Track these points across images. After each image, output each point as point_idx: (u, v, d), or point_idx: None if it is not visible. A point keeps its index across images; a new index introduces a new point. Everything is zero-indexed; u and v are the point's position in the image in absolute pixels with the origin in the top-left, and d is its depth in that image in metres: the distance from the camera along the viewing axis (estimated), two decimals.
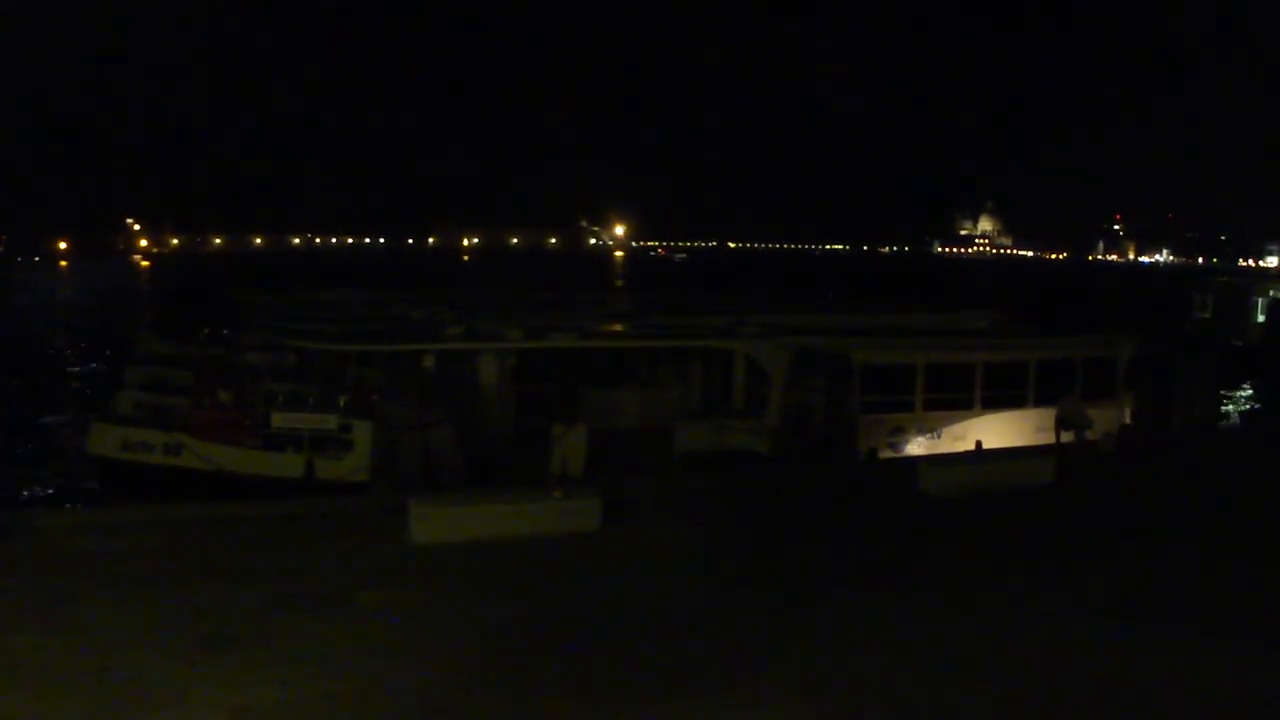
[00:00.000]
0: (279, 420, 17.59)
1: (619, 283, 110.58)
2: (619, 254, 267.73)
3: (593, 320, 22.42)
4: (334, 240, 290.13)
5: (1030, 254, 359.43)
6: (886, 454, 19.70)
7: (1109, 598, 10.95)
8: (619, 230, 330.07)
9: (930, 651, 9.29)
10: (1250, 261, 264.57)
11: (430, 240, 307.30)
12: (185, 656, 8.67)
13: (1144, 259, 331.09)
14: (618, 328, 21.81)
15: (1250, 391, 40.50)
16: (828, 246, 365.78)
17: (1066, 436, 19.82)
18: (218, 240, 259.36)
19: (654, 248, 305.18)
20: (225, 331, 25.67)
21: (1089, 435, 19.72)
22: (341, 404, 17.92)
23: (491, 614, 10.01)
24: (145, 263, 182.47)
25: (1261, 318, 48.27)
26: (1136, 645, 9.58)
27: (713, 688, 8.39)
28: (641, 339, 21.45)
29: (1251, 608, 10.79)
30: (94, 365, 41.96)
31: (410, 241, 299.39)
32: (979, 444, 19.97)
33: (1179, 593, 11.24)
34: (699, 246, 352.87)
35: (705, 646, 9.28)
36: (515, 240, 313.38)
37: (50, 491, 22.01)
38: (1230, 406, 36.82)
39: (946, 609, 10.50)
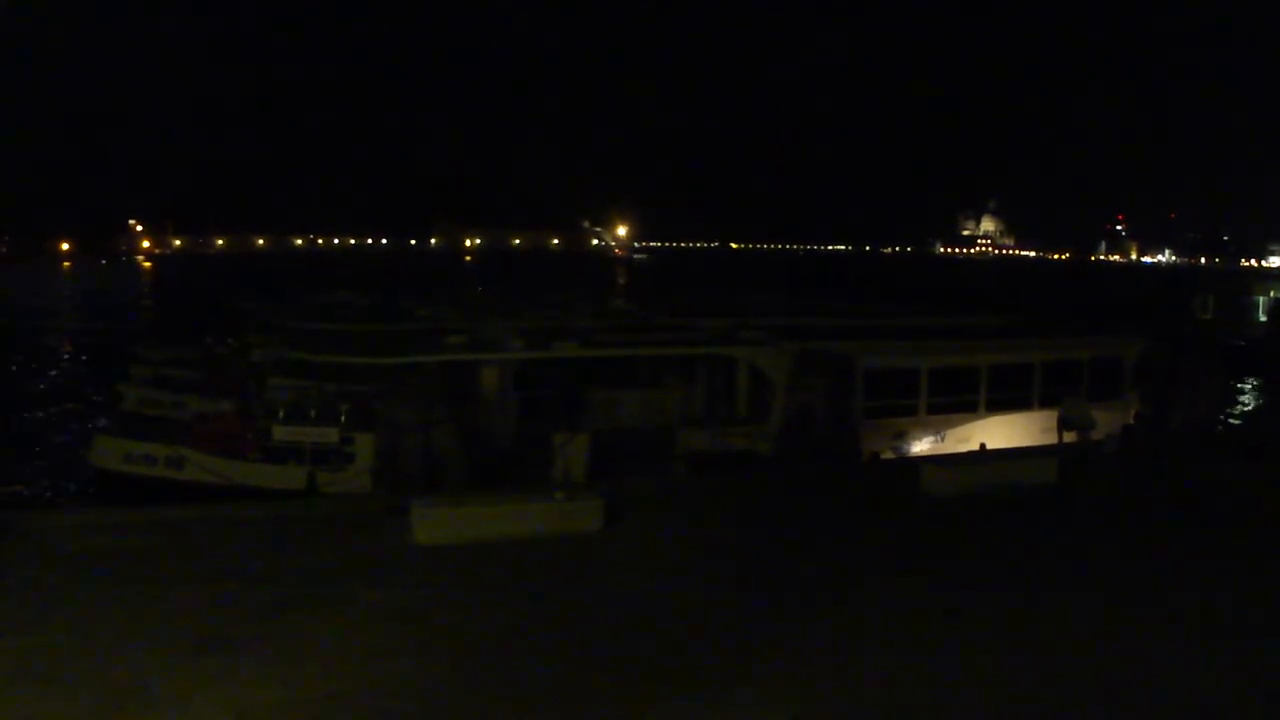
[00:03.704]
0: (281, 433, 17.62)
1: (620, 282, 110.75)
2: (620, 254, 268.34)
3: (595, 324, 22.40)
4: (336, 241, 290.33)
5: (1033, 254, 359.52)
6: (891, 458, 19.68)
7: (1109, 598, 10.92)
8: (621, 231, 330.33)
9: (931, 652, 9.27)
10: (1253, 261, 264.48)
11: (432, 241, 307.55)
12: (186, 657, 8.66)
13: (1146, 259, 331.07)
14: (620, 334, 21.73)
15: (1253, 392, 40.44)
16: (830, 247, 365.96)
17: (1069, 436, 19.81)
18: (220, 241, 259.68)
19: (614, 247, 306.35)
20: (229, 339, 25.74)
21: (1093, 436, 19.71)
22: (343, 416, 17.92)
23: (493, 615, 9.99)
24: (147, 264, 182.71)
25: (1263, 318, 48.18)
26: (1136, 645, 9.55)
27: (714, 689, 8.37)
28: (644, 347, 21.34)
29: (1252, 607, 10.76)
30: (94, 369, 41.95)
31: (413, 242, 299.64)
32: (983, 446, 19.96)
33: (1179, 593, 11.20)
34: (701, 247, 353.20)
35: (707, 647, 9.26)
36: (517, 241, 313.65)
37: (49, 492, 21.99)
38: (1243, 406, 36.81)
39: (947, 609, 10.46)
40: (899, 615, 10.22)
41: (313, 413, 18.05)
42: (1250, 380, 41.40)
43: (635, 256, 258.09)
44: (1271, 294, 48.92)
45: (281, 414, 17.97)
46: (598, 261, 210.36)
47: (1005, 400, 21.07)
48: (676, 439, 19.38)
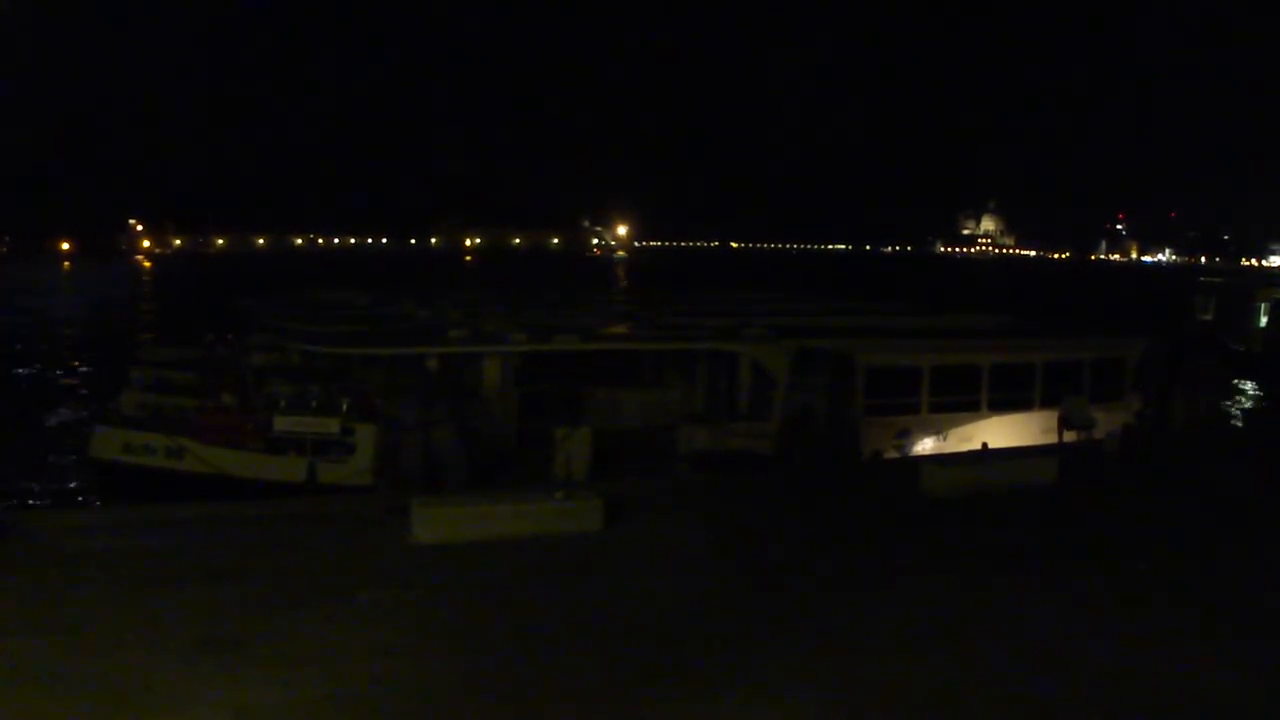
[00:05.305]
0: (281, 424, 17.58)
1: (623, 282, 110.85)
2: (621, 254, 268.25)
3: (597, 320, 22.36)
4: (336, 240, 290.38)
5: (1033, 253, 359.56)
6: (892, 457, 19.63)
7: (1109, 597, 10.91)
8: (621, 231, 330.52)
9: (932, 651, 9.27)
10: (1253, 261, 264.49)
11: (433, 240, 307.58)
12: (186, 657, 8.65)
13: (1146, 258, 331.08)
14: (621, 330, 21.71)
15: (1253, 394, 40.42)
16: (830, 246, 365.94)
17: (1070, 436, 19.79)
18: (220, 241, 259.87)
19: (594, 246, 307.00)
20: (230, 336, 25.72)
21: (1094, 435, 19.70)
22: (344, 407, 17.92)
23: (493, 614, 9.98)
24: (148, 263, 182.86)
25: (1264, 320, 47.96)
26: (1136, 645, 9.55)
27: (715, 688, 8.37)
28: (645, 342, 21.33)
29: (1252, 607, 10.75)
30: (95, 368, 41.94)
31: (413, 241, 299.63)
32: (984, 446, 19.91)
33: (1179, 592, 11.20)
34: (702, 246, 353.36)
35: (708, 647, 9.26)
36: (518, 241, 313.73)
37: (49, 492, 21.97)
38: (1243, 407, 36.82)
39: (948, 609, 10.46)
40: (899, 614, 10.22)
41: (314, 403, 18.05)
42: (1249, 387, 41.35)
43: (615, 255, 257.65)
44: (1275, 297, 48.42)
45: (282, 404, 17.97)
46: (580, 261, 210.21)
47: (1007, 400, 21.03)
48: (677, 438, 19.35)
